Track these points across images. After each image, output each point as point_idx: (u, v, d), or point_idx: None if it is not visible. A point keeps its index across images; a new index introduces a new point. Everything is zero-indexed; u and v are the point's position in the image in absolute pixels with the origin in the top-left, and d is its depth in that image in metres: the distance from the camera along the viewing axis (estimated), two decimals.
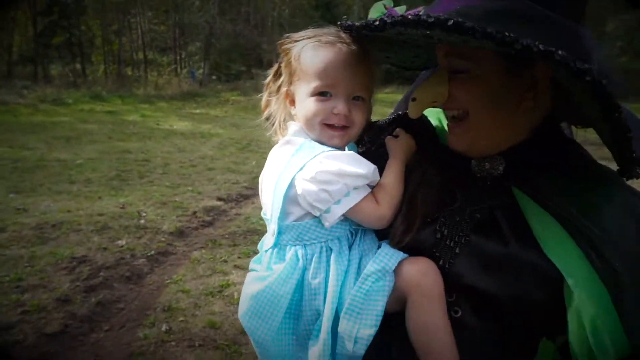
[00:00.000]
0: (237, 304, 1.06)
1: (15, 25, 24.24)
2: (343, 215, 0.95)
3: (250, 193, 6.36)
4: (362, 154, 1.09)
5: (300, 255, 0.96)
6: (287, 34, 1.06)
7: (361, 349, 0.87)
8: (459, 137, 0.90)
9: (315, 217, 0.97)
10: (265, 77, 1.13)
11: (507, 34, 0.66)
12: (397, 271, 0.91)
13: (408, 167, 1.01)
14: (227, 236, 4.79)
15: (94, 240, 4.41)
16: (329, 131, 1.00)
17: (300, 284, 0.96)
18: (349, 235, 0.99)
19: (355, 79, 0.99)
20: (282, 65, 1.06)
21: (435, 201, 0.93)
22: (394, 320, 0.90)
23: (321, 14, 28.02)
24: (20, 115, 12.41)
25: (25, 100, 14.17)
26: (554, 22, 0.74)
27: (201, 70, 23.92)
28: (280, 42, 1.06)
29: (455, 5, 0.78)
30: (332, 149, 0.99)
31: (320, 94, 0.98)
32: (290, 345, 0.95)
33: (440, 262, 0.87)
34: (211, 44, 23.84)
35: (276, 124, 1.09)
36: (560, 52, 0.67)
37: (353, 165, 0.94)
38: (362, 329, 0.87)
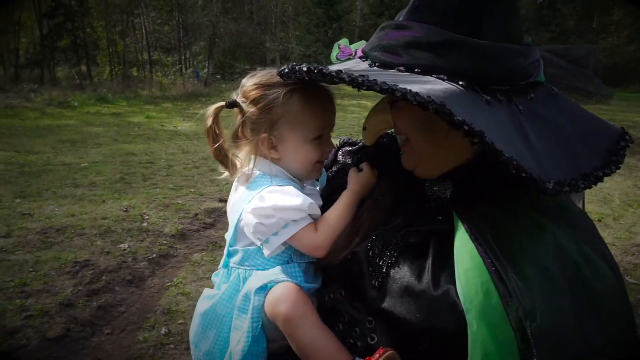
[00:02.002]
0: None
1: (21, 28, 24.53)
2: (283, 244, 1.00)
3: None
4: (328, 179, 1.17)
5: (241, 278, 1.03)
6: (252, 80, 1.05)
7: None
8: (406, 157, 0.94)
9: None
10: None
11: (361, 76, 0.69)
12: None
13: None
14: None
15: (97, 244, 4.50)
16: (319, 166, 1.10)
17: None
18: (287, 264, 1.04)
19: (334, 116, 1.08)
20: (254, 111, 1.03)
21: (378, 221, 0.96)
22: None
23: (323, 10, 27.93)
24: (27, 119, 12.57)
25: (32, 103, 14.38)
26: (469, 46, 0.76)
27: (205, 70, 23.99)
28: (245, 89, 1.04)
29: (389, 37, 0.82)
30: (282, 183, 1.03)
31: (317, 137, 1.05)
32: None
33: (373, 281, 0.88)
34: (215, 43, 23.91)
35: (239, 163, 1.08)
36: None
37: (288, 199, 0.98)
38: (237, 346, 0.95)
